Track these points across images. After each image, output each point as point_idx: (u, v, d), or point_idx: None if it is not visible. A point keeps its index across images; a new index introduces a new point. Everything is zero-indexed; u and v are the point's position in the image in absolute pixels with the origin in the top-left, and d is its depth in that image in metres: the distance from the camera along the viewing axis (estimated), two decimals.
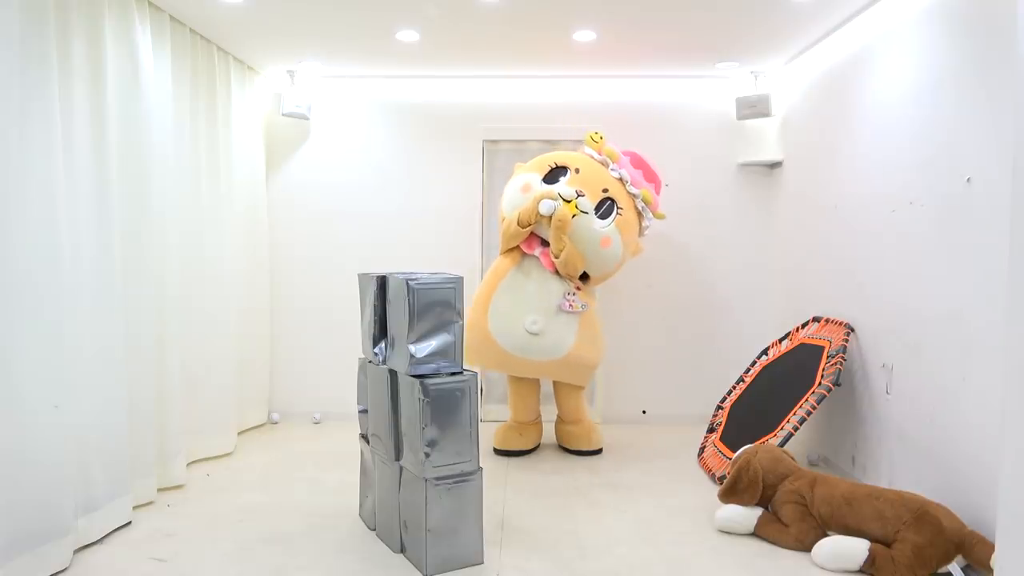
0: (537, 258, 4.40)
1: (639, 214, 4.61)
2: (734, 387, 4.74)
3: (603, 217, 4.42)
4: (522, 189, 4.46)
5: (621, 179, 4.55)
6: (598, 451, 4.67)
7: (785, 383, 4.22)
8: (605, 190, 4.45)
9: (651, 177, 4.74)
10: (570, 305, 4.34)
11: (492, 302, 4.38)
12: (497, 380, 5.42)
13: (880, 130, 3.75)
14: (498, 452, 4.59)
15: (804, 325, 4.52)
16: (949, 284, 3.12)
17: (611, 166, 4.58)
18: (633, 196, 4.57)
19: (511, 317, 4.31)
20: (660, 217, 4.76)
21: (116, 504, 3.34)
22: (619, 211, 4.47)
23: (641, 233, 4.69)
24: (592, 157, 4.61)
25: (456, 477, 3.01)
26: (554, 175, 4.50)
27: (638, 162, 4.74)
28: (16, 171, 2.79)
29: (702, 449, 4.50)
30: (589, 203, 4.36)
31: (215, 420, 4.46)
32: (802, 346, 4.34)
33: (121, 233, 3.46)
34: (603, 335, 4.65)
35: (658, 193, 4.75)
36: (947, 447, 3.13)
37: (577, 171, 4.48)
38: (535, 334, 4.27)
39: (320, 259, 5.44)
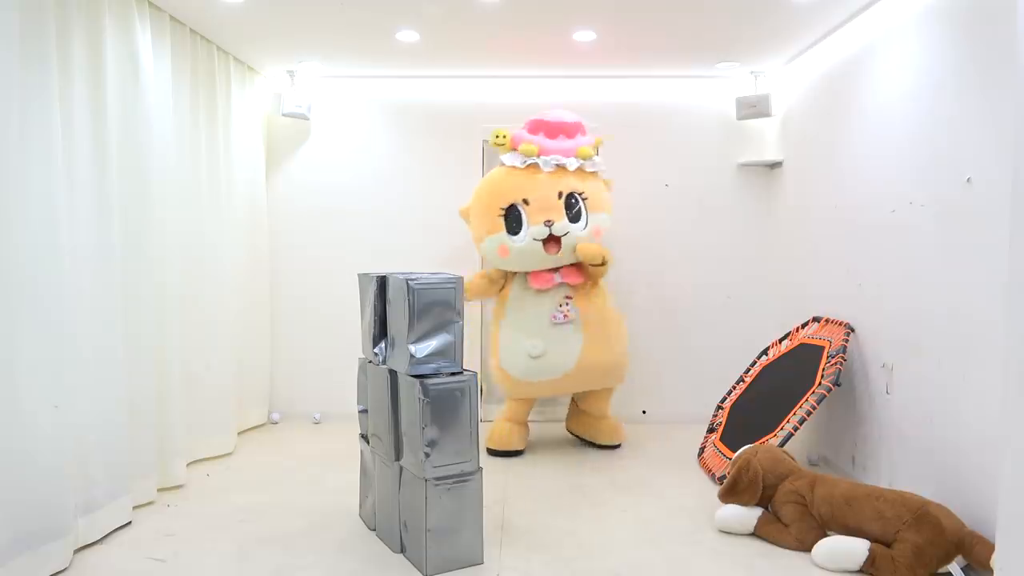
0: (561, 283, 4.42)
1: (592, 173, 4.51)
2: (734, 387, 4.74)
3: (577, 217, 4.39)
4: (500, 252, 4.41)
5: (558, 167, 4.41)
6: (619, 445, 4.77)
7: (785, 383, 4.22)
8: (560, 193, 4.36)
9: (568, 130, 4.51)
10: (564, 316, 4.36)
11: (499, 339, 4.50)
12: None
13: (880, 130, 3.75)
14: (496, 453, 4.57)
15: (804, 325, 4.52)
16: (949, 284, 3.12)
17: (538, 162, 4.41)
18: (579, 168, 4.44)
19: (515, 346, 4.40)
20: (603, 141, 4.66)
21: (116, 504, 3.34)
22: (583, 197, 4.40)
23: (602, 173, 4.61)
24: (515, 167, 4.44)
25: (456, 477, 3.00)
26: (512, 218, 4.37)
27: (550, 130, 4.49)
28: (16, 171, 2.79)
29: (702, 449, 4.50)
30: (562, 224, 4.32)
31: (215, 420, 4.46)
32: (802, 346, 4.34)
33: (121, 233, 3.46)
34: (621, 332, 4.62)
35: (584, 133, 4.57)
36: (947, 447, 3.13)
37: (526, 202, 4.35)
38: (536, 357, 4.33)
39: (320, 259, 5.44)
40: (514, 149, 4.50)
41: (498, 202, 4.43)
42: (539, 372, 4.36)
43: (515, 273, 4.55)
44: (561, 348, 4.35)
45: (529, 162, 4.42)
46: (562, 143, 4.49)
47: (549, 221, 4.29)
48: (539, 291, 4.42)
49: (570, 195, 4.39)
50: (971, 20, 3.01)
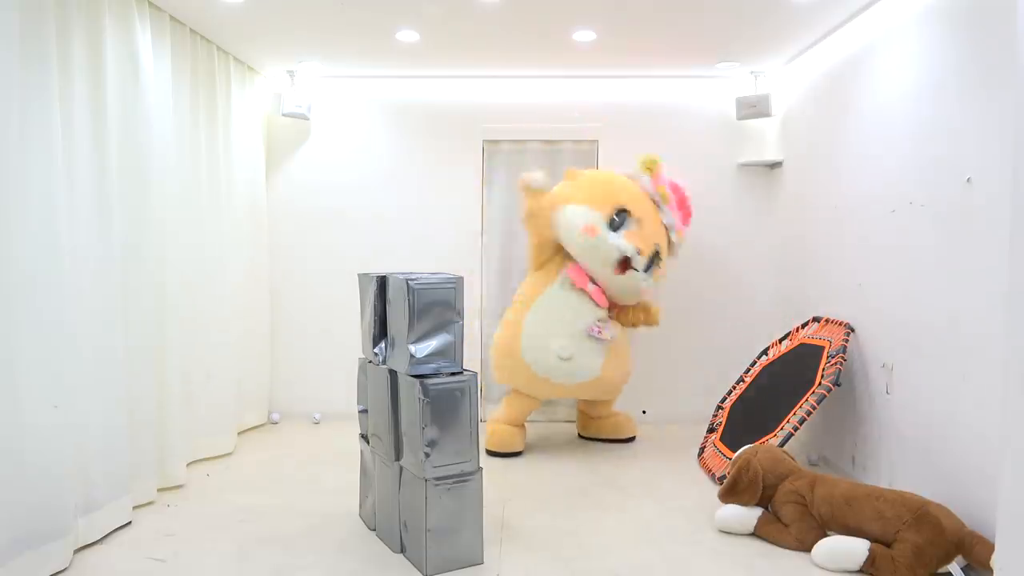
0: (588, 293, 4.42)
1: (670, 255, 4.65)
2: (734, 387, 4.74)
3: (647, 269, 4.39)
4: (586, 230, 4.32)
5: (667, 227, 4.51)
6: (633, 437, 4.89)
7: (785, 383, 4.22)
8: (656, 244, 4.42)
9: (687, 217, 4.72)
10: (599, 332, 4.36)
11: (524, 326, 4.43)
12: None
13: (880, 130, 3.75)
14: (497, 455, 4.54)
15: (804, 325, 4.52)
16: (949, 284, 3.12)
17: (663, 209, 4.49)
18: (671, 243, 4.58)
19: (542, 341, 4.35)
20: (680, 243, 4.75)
21: (116, 504, 3.34)
22: (658, 264, 4.45)
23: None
24: (646, 191, 4.48)
25: (456, 477, 3.00)
26: (619, 219, 4.36)
27: (682, 201, 4.67)
28: (16, 171, 2.79)
29: (702, 449, 4.50)
30: (642, 262, 4.33)
31: (215, 420, 4.46)
32: (802, 346, 4.34)
33: (121, 233, 3.46)
34: (629, 349, 4.74)
35: (687, 224, 4.76)
36: (947, 447, 3.13)
37: (639, 221, 4.37)
38: (566, 359, 4.32)
39: (320, 259, 5.44)
40: (654, 185, 4.55)
41: (623, 197, 4.40)
42: (564, 374, 4.36)
43: (567, 266, 4.51)
44: (588, 357, 4.37)
45: (657, 200, 4.49)
46: (679, 216, 4.63)
47: (640, 251, 4.30)
48: (575, 289, 4.40)
49: (657, 253, 4.43)
50: (971, 20, 3.01)
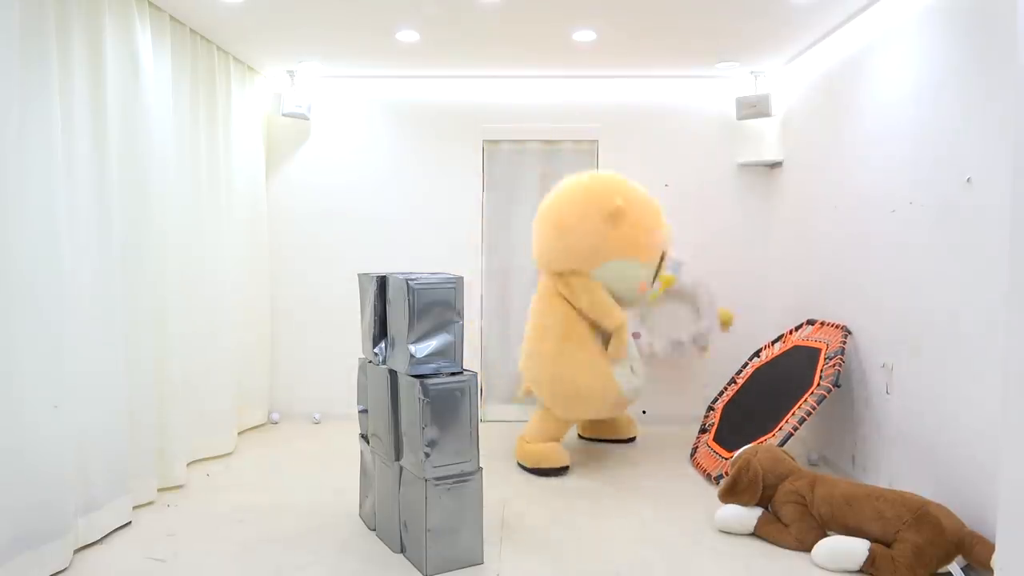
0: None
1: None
2: (726, 388, 4.75)
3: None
4: (641, 289, 4.40)
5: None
6: (632, 439, 4.92)
7: (780, 384, 4.22)
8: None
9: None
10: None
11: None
12: (497, 380, 5.42)
13: (880, 130, 3.75)
14: (549, 472, 4.26)
15: (798, 328, 4.53)
16: (949, 284, 3.12)
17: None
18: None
19: (625, 363, 4.38)
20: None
21: (116, 504, 3.34)
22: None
23: None
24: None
25: (456, 477, 3.01)
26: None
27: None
28: (15, 171, 2.79)
29: (694, 450, 4.50)
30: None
31: (215, 420, 4.46)
32: (796, 348, 4.34)
33: (121, 232, 3.46)
34: None
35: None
36: (947, 447, 3.13)
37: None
38: (638, 377, 4.42)
39: (320, 259, 5.44)
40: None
41: (662, 238, 4.41)
42: (636, 394, 4.40)
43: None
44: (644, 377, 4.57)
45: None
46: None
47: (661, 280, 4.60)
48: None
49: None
50: (971, 20, 3.01)
